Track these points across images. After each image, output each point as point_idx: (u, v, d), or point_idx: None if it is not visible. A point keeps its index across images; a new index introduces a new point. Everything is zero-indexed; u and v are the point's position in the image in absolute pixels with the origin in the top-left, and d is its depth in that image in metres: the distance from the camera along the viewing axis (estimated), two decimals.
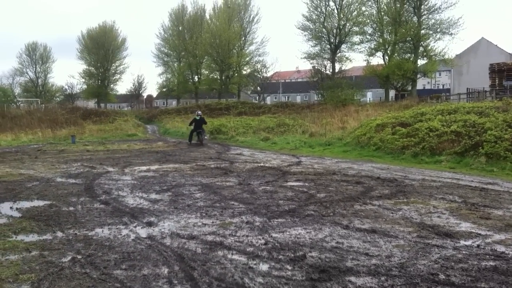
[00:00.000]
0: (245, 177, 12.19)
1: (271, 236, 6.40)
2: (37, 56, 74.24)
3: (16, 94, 72.31)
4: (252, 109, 45.57)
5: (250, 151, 20.73)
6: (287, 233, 6.58)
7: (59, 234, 6.59)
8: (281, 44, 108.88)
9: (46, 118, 36.53)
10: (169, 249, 5.80)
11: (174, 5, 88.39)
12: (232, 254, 5.61)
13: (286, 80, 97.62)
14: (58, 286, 4.59)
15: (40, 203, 8.97)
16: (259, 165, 15.06)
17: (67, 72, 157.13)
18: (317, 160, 16.77)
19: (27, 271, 5.02)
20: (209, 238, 6.33)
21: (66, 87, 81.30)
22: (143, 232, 6.70)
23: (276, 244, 6.01)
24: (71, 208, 8.40)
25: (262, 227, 6.89)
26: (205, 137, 25.82)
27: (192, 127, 25.85)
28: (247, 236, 6.42)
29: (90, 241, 6.22)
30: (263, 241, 6.14)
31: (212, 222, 7.27)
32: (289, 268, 5.08)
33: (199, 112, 27.03)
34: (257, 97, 70.66)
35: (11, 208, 8.52)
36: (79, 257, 5.50)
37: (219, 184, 11.07)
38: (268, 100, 73.18)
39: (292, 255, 5.54)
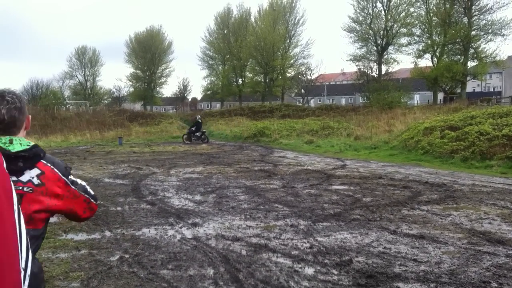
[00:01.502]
0: (289, 180, 12.12)
1: (316, 239, 6.33)
2: (86, 60, 76.10)
3: (66, 96, 74.56)
4: (296, 111, 45.31)
5: (293, 154, 20.64)
6: (333, 237, 6.50)
7: (107, 233, 6.76)
8: (326, 46, 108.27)
9: (94, 120, 37.58)
10: (214, 250, 5.82)
11: (220, 8, 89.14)
12: (277, 257, 5.58)
13: (331, 83, 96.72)
14: (107, 284, 4.69)
15: None
16: (303, 168, 14.96)
17: (114, 75, 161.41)
18: (362, 163, 16.50)
19: (76, 269, 5.16)
20: (254, 240, 6.31)
21: (114, 90, 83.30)
22: (188, 233, 6.77)
23: (322, 248, 5.93)
24: (119, 208, 8.59)
25: (307, 231, 6.82)
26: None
27: (193, 128, 29.60)
28: (291, 239, 6.37)
29: (137, 240, 6.33)
30: (308, 245, 6.07)
31: (257, 224, 7.26)
32: (335, 272, 5.00)
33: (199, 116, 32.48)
34: (301, 100, 70.29)
35: None
36: (127, 256, 5.60)
37: (263, 187, 11.05)
38: (312, 102, 72.63)
39: (338, 259, 5.45)
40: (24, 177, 1.90)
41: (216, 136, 35.93)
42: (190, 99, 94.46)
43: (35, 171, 1.93)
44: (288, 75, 61.58)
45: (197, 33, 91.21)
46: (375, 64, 50.45)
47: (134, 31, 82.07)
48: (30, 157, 1.93)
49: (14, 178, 1.83)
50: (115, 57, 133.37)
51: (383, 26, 48.26)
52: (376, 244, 6.10)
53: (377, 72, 50.31)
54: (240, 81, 66.31)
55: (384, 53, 49.31)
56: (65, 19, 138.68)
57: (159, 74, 72.67)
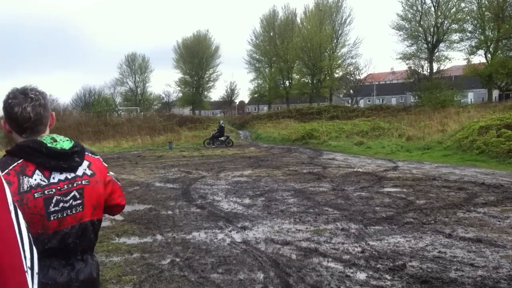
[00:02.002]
0: (339, 183, 11.94)
1: (368, 244, 6.19)
2: (136, 66, 77.76)
3: (118, 103, 76.57)
4: (345, 112, 44.78)
5: (343, 156, 20.35)
6: (385, 241, 6.33)
7: (159, 237, 6.85)
8: (374, 45, 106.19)
9: (145, 126, 38.54)
10: (264, 254, 5.79)
11: (265, 10, 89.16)
12: (327, 261, 5.48)
13: (380, 82, 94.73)
14: None
15: (141, 207, 9.43)
16: (353, 170, 14.70)
17: (164, 81, 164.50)
18: (415, 165, 16.04)
19: (129, 272, 5.26)
20: (304, 244, 6.24)
21: (163, 95, 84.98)
22: (238, 236, 6.77)
23: (374, 252, 5.79)
24: (170, 212, 8.72)
25: (358, 234, 6.68)
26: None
27: (217, 133, 29.98)
28: (342, 243, 6.25)
29: (188, 244, 6.39)
30: (359, 249, 5.94)
31: (306, 228, 7.17)
32: (388, 277, 4.86)
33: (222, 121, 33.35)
34: (350, 100, 69.38)
35: None
36: (178, 260, 5.66)
37: (312, 190, 10.93)
38: (362, 103, 71.43)
39: (391, 264, 5.29)
40: (79, 171, 1.95)
41: (264, 139, 35.99)
42: (237, 103, 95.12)
43: (85, 163, 1.99)
44: (336, 75, 60.99)
45: (244, 36, 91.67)
46: (426, 62, 49.13)
47: (182, 37, 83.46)
48: (81, 151, 1.99)
49: (72, 175, 1.91)
50: (164, 62, 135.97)
51: (433, 22, 46.94)
52: (431, 248, 5.89)
53: (428, 70, 48.95)
54: (287, 83, 66.20)
55: (435, 51, 47.92)
56: (115, 27, 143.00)
57: (207, 79, 73.60)
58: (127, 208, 9.21)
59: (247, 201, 9.75)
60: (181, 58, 71.96)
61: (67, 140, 1.94)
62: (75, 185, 1.91)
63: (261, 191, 10.90)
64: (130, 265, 5.52)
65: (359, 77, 63.92)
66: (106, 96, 73.09)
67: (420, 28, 47.65)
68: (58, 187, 1.85)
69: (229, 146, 29.15)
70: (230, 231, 7.08)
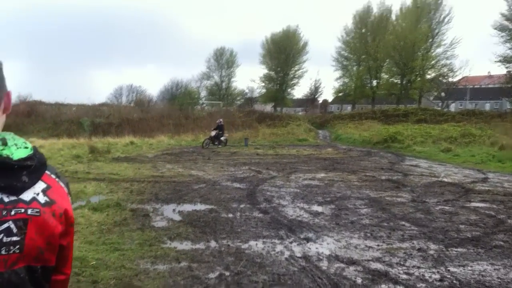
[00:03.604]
0: (420, 193, 10.93)
1: (448, 270, 5.40)
2: (223, 61, 78.73)
3: (202, 96, 78.30)
4: (434, 116, 42.53)
5: (427, 163, 19.00)
6: (469, 267, 5.51)
7: (212, 243, 6.40)
8: (472, 46, 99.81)
9: (225, 120, 38.82)
10: (325, 275, 5.13)
11: (359, 6, 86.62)
12: None
13: (475, 86, 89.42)
14: None
15: (202, 207, 9.08)
16: (437, 179, 13.54)
17: (248, 76, 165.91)
18: (507, 177, 14.55)
19: (171, 286, 4.82)
20: (372, 265, 5.51)
21: (247, 90, 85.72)
22: (298, 250, 6.14)
23: (455, 281, 5.02)
24: (230, 215, 8.28)
25: (438, 258, 5.87)
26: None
27: (220, 132, 27.34)
28: (418, 267, 5.48)
29: (241, 255, 5.87)
30: (437, 276, 5.18)
31: (378, 245, 6.40)
32: None
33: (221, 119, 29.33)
34: (440, 104, 65.89)
35: (173, 210, 8.73)
36: (227, 274, 5.16)
37: (389, 200, 10.05)
38: (453, 107, 67.64)
39: None
40: (27, 195, 1.31)
41: (343, 140, 34.91)
42: (320, 101, 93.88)
43: (39, 186, 1.35)
44: (428, 76, 58.11)
45: (333, 32, 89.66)
46: None
47: (270, 32, 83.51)
48: (37, 167, 1.35)
49: (12, 198, 1.28)
50: (250, 57, 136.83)
51: None
52: None
53: None
54: (374, 82, 64.24)
55: None
56: (206, 20, 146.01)
57: (292, 75, 73.13)
58: (188, 208, 8.90)
59: (315, 208, 9.09)
60: (268, 53, 72.01)
61: (25, 147, 1.34)
62: (13, 213, 1.27)
63: (332, 198, 10.19)
64: (174, 276, 5.08)
65: (452, 80, 60.47)
66: (192, 89, 75.02)
67: None
68: None
69: (221, 145, 27.21)
70: (291, 243, 6.47)
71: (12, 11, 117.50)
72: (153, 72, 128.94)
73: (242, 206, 9.15)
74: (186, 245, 6.32)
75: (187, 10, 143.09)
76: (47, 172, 1.40)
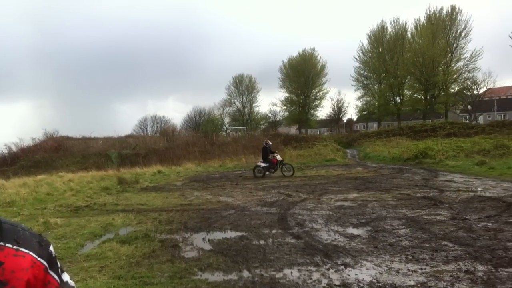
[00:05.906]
0: (459, 210, 10.41)
1: None
2: (243, 87, 79.74)
3: (226, 123, 78.88)
4: (463, 129, 41.63)
5: (462, 178, 18.32)
6: None
7: (245, 273, 6.11)
8: (495, 56, 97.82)
9: (250, 145, 38.68)
10: None
11: (373, 26, 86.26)
12: None
13: (501, 97, 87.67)
14: None
15: (232, 234, 8.81)
16: (476, 194, 12.94)
17: (269, 99, 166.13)
18: None
19: None
20: None
21: (270, 114, 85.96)
22: (336, 277, 5.79)
23: None
24: (262, 242, 7.97)
25: (487, 280, 5.45)
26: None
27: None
28: None
29: (276, 285, 5.55)
30: None
31: (421, 268, 6.02)
32: None
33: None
34: (468, 117, 64.62)
35: (203, 239, 8.50)
36: None
37: (427, 218, 9.58)
38: (481, 119, 66.26)
39: None
40: None
41: (372, 158, 34.33)
42: (345, 120, 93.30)
43: None
44: (452, 90, 57.22)
45: (351, 52, 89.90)
46: None
47: (287, 56, 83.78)
48: None
49: None
50: (270, 81, 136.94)
51: None
52: None
53: None
54: (398, 99, 63.52)
55: None
56: (222, 48, 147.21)
57: (313, 97, 73.05)
58: (218, 236, 8.67)
59: (350, 230, 8.71)
60: (287, 77, 72.35)
61: None
62: None
63: (367, 219, 9.77)
64: None
65: (477, 92, 59.34)
66: (214, 116, 75.65)
67: None
68: None
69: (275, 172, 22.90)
70: (328, 270, 6.12)
71: (38, 50, 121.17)
72: (175, 102, 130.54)
73: (273, 231, 8.84)
74: (217, 276, 6.05)
75: (201, 40, 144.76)
76: (1, 243, 1.07)
